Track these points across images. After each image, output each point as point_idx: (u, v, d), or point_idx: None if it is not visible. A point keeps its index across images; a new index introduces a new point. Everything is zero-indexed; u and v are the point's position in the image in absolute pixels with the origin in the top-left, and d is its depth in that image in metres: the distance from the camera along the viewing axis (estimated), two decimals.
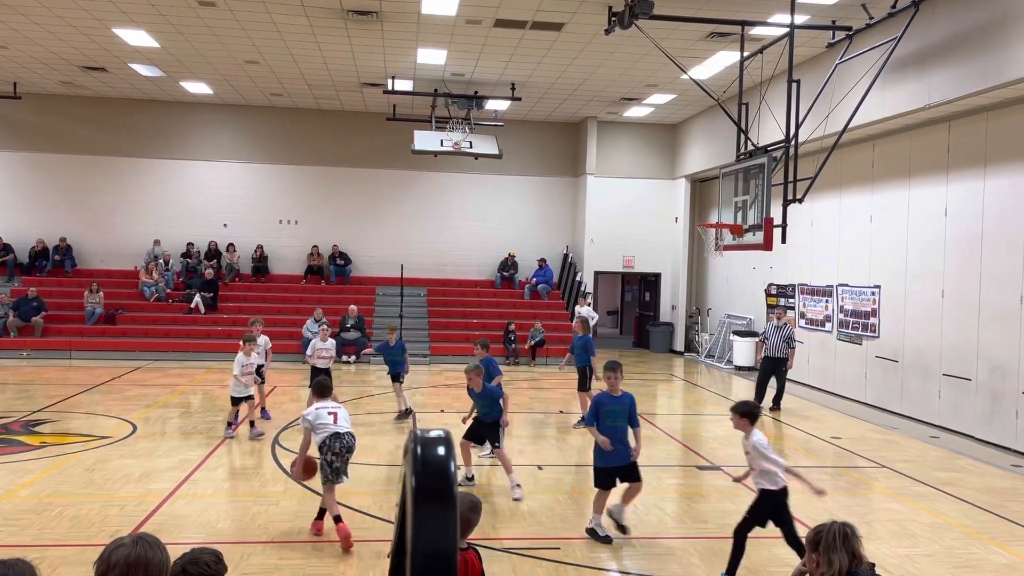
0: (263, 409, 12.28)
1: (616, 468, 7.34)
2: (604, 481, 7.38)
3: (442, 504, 1.71)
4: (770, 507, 6.30)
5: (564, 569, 6.63)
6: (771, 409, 14.09)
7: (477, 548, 4.12)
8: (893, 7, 11.54)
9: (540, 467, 9.96)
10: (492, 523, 7.70)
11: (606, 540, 7.27)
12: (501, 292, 22.91)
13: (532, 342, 19.91)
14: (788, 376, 14.39)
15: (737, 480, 6.95)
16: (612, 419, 7.32)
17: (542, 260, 23.20)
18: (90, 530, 7.20)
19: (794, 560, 6.86)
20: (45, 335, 19.03)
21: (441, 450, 1.81)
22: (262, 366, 12.01)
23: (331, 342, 12.68)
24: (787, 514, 6.29)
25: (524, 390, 16.22)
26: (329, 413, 7.33)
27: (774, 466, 6.25)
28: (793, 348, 14.09)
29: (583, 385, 12.60)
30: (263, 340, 12.25)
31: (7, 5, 13.61)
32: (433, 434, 1.88)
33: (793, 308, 17.48)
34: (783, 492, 6.29)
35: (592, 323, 16.53)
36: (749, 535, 6.42)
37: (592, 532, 7.37)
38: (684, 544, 7.29)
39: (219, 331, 19.48)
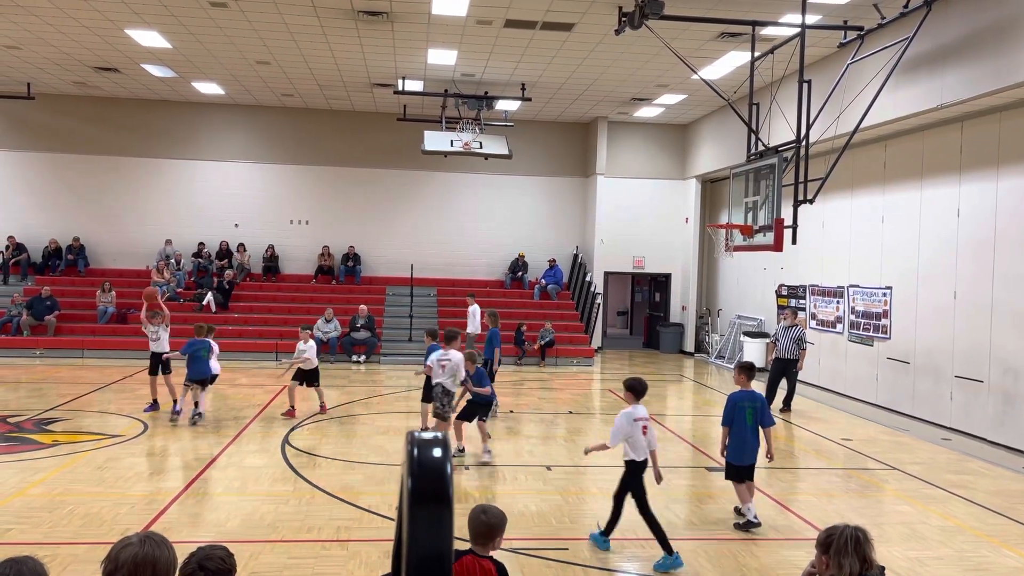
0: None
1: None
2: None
3: (438, 506, 1.71)
4: (633, 476, 6.97)
5: (572, 570, 6.63)
6: (781, 410, 14.03)
7: (501, 564, 3.91)
8: (905, 7, 11.47)
9: (549, 467, 9.95)
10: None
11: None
12: (511, 292, 22.91)
13: (542, 342, 19.90)
14: (798, 377, 14.34)
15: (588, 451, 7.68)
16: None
17: (552, 260, 23.19)
18: (100, 528, 7.25)
19: (802, 562, 6.84)
20: (58, 334, 19.15)
21: (437, 452, 1.82)
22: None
23: (312, 344, 12.61)
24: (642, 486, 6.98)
25: (534, 390, 16.22)
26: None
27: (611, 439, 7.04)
28: (803, 349, 14.03)
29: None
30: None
31: (21, 6, 13.72)
32: (429, 436, 1.88)
33: (804, 309, 17.41)
34: (644, 463, 6.98)
35: (477, 320, 17.29)
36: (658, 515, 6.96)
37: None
38: (693, 545, 7.27)
39: (230, 330, 19.54)
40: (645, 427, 6.96)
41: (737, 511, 8.05)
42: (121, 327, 19.65)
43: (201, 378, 12.10)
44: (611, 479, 9.50)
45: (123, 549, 2.52)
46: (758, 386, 16.57)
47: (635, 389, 7.09)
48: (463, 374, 10.02)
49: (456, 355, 9.99)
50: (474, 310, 17.70)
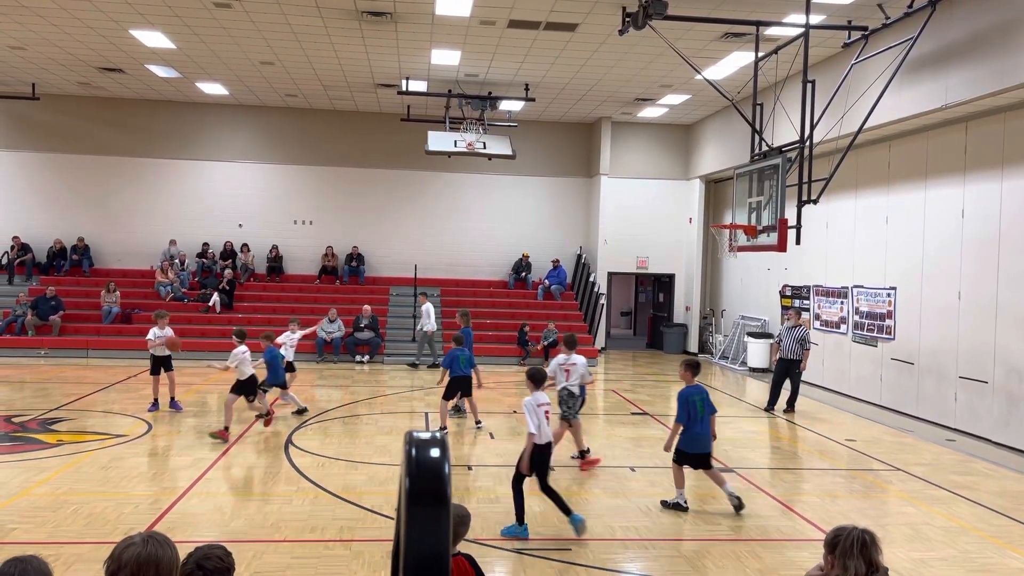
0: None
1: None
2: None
3: (435, 506, 1.71)
4: (538, 457, 7.45)
5: (575, 570, 6.63)
6: (785, 411, 14.03)
7: (469, 555, 4.12)
8: (910, 7, 11.45)
9: (552, 468, 9.93)
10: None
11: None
12: (514, 292, 22.91)
13: (545, 343, 19.89)
14: (802, 378, 14.32)
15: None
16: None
17: (555, 261, 23.19)
18: (105, 528, 7.26)
19: (806, 563, 6.83)
20: (62, 334, 19.19)
21: (435, 452, 1.81)
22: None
23: (244, 350, 11.51)
24: (545, 468, 7.57)
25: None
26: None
27: (531, 425, 7.38)
28: (807, 349, 14.02)
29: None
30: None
31: (26, 7, 13.76)
32: (427, 436, 1.88)
33: (808, 309, 17.39)
34: (546, 446, 7.54)
35: (431, 319, 17.89)
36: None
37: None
38: (696, 546, 7.27)
39: (231, 331, 19.56)
40: (547, 412, 7.59)
41: (664, 504, 8.41)
42: (125, 327, 19.70)
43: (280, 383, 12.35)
44: (614, 479, 9.52)
45: (126, 549, 2.53)
46: (758, 386, 16.53)
47: (534, 378, 7.77)
48: (589, 377, 10.19)
49: (580, 359, 10.06)
50: (427, 308, 18.02)
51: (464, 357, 12.05)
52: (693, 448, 8.31)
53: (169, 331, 13.08)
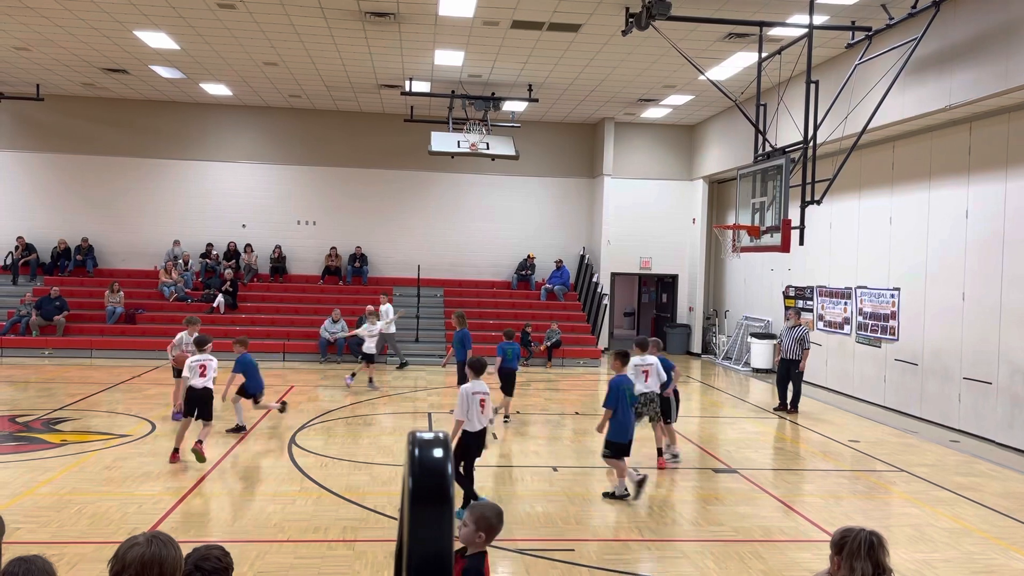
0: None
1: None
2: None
3: (438, 505, 1.72)
4: (471, 444, 7.90)
5: (578, 571, 6.63)
6: (789, 411, 14.02)
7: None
8: (913, 7, 11.44)
9: (555, 468, 9.95)
10: (507, 524, 7.68)
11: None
12: (517, 293, 22.91)
13: (548, 343, 19.90)
14: (805, 378, 14.32)
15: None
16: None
17: (559, 261, 23.19)
18: (108, 528, 7.28)
19: (810, 564, 6.83)
20: (66, 334, 19.23)
21: (438, 452, 1.82)
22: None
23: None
24: (473, 454, 8.01)
25: (540, 391, 16.21)
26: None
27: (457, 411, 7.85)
28: (806, 349, 14.06)
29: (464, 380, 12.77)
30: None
31: (30, 8, 13.79)
32: (430, 436, 1.88)
33: (811, 310, 17.37)
34: (476, 434, 7.91)
35: (389, 319, 17.82)
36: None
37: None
38: (699, 547, 7.27)
39: (237, 331, 19.57)
40: (483, 400, 7.90)
41: (607, 495, 8.67)
42: (129, 327, 19.74)
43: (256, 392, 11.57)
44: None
45: (130, 549, 2.53)
46: (762, 387, 16.51)
47: (475, 367, 8.13)
48: (664, 376, 10.08)
49: (653, 359, 9.96)
50: (386, 309, 18.10)
51: (512, 351, 12.55)
52: (621, 437, 8.57)
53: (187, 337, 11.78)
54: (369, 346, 15.63)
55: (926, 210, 13.83)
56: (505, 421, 12.54)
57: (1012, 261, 11.78)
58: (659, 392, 9.94)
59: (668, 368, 10.16)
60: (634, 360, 9.75)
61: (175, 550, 2.60)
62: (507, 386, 12.49)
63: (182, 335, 11.91)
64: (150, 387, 15.16)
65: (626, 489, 8.60)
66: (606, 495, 8.68)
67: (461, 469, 7.95)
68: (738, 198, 13.41)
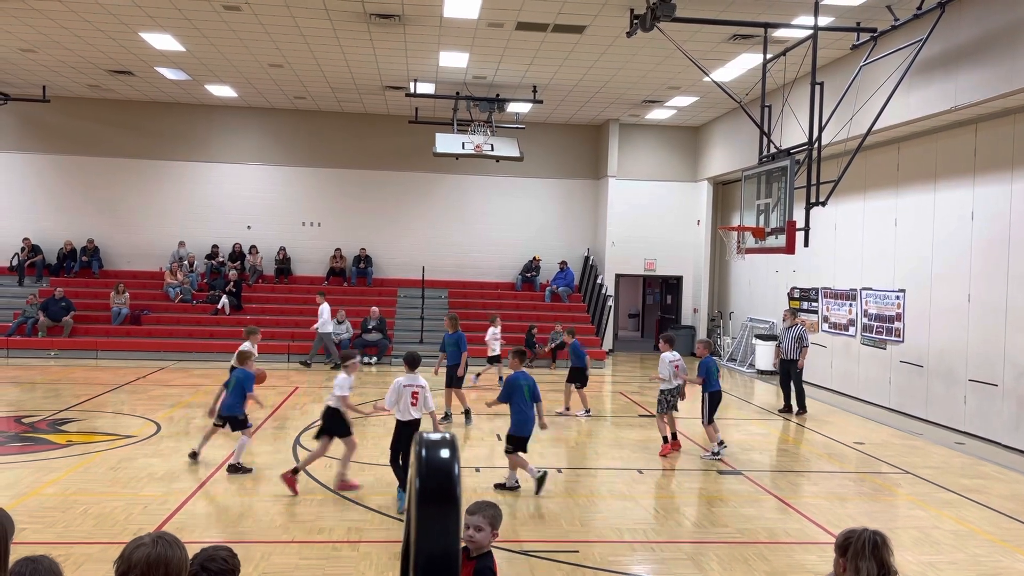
0: None
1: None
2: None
3: (445, 505, 1.72)
4: (403, 434, 8.31)
5: (582, 572, 6.63)
6: (797, 413, 13.97)
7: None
8: (919, 8, 11.41)
9: (560, 470, 9.95)
10: (512, 526, 7.70)
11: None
12: (521, 294, 22.92)
13: (552, 345, 19.89)
14: (809, 379, 14.31)
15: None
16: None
17: (563, 263, 23.18)
18: (114, 528, 7.30)
19: (814, 566, 6.82)
20: (72, 335, 19.28)
21: (445, 452, 1.82)
22: None
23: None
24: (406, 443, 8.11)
25: (545, 392, 16.14)
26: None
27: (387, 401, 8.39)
28: (805, 347, 14.09)
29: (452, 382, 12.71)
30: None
31: (36, 10, 13.84)
32: (437, 437, 1.89)
33: (816, 312, 17.34)
34: (407, 424, 8.34)
35: (324, 319, 18.31)
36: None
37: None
38: (703, 548, 7.26)
39: (242, 332, 19.61)
40: (415, 393, 8.33)
41: (499, 486, 8.94)
42: (135, 328, 19.79)
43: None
44: (621, 481, 9.52)
45: (136, 549, 2.54)
46: (766, 388, 16.45)
47: (409, 361, 8.61)
48: (685, 373, 11.05)
49: (677, 357, 10.89)
50: (323, 308, 18.24)
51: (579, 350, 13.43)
52: (522, 431, 8.85)
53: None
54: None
55: (931, 211, 13.80)
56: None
57: (1018, 262, 11.74)
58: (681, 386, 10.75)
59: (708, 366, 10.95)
60: (667, 355, 10.76)
61: (180, 551, 2.61)
62: (583, 379, 13.54)
63: (246, 344, 11.08)
64: (155, 388, 15.19)
65: (516, 481, 8.93)
66: (498, 486, 8.94)
67: (400, 460, 8.29)
68: (743, 200, 13.40)
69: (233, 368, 10.04)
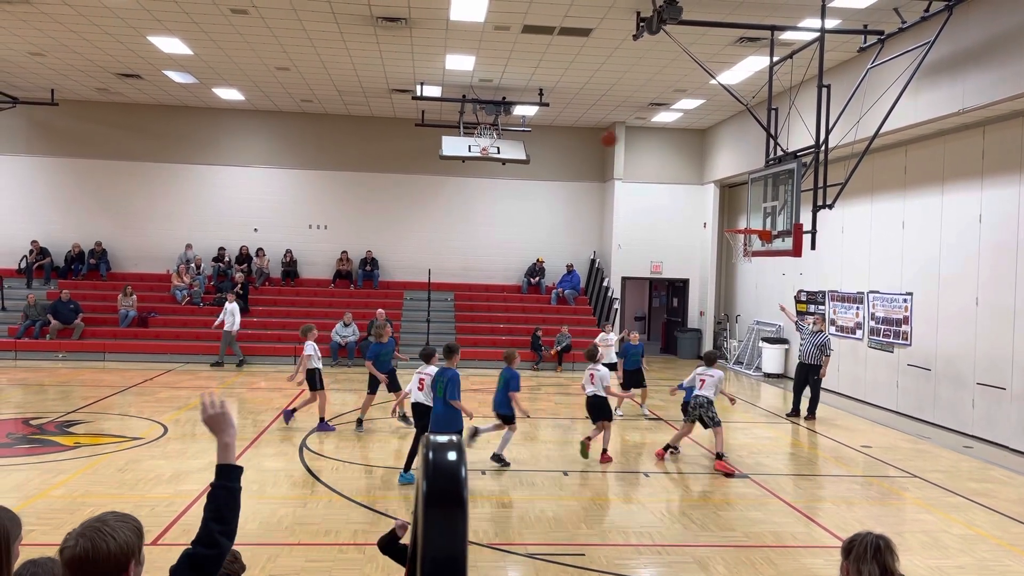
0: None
1: None
2: None
3: (452, 508, 1.72)
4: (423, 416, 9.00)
5: (588, 575, 6.62)
6: (806, 418, 13.89)
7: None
8: (926, 11, 11.39)
9: (566, 472, 9.94)
10: (518, 529, 7.70)
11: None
12: (528, 297, 22.92)
13: (559, 347, 19.89)
14: (821, 385, 14.19)
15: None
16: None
17: (569, 265, 23.18)
18: None
19: (822, 570, 6.79)
20: (80, 337, 19.35)
21: (452, 455, 1.83)
22: None
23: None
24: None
25: (551, 395, 16.20)
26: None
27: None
28: (827, 356, 13.94)
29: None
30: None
31: (45, 13, 13.91)
32: (444, 439, 1.89)
33: (824, 315, 17.29)
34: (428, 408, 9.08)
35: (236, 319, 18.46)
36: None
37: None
38: (710, 552, 7.24)
39: (249, 334, 19.68)
40: (422, 380, 9.30)
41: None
42: (142, 331, 19.85)
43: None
44: (628, 485, 9.50)
45: (62, 552, 2.32)
46: (773, 392, 16.41)
47: (425, 356, 9.63)
48: (721, 386, 10.90)
49: (718, 372, 10.77)
50: (232, 307, 18.58)
51: (635, 352, 13.73)
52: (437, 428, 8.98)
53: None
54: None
55: (939, 214, 13.76)
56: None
57: None
58: (710, 399, 10.60)
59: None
60: (699, 369, 10.92)
61: (112, 539, 2.28)
62: (641, 382, 13.85)
63: (311, 343, 12.13)
64: (162, 390, 15.23)
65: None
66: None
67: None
68: (749, 202, 13.38)
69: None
